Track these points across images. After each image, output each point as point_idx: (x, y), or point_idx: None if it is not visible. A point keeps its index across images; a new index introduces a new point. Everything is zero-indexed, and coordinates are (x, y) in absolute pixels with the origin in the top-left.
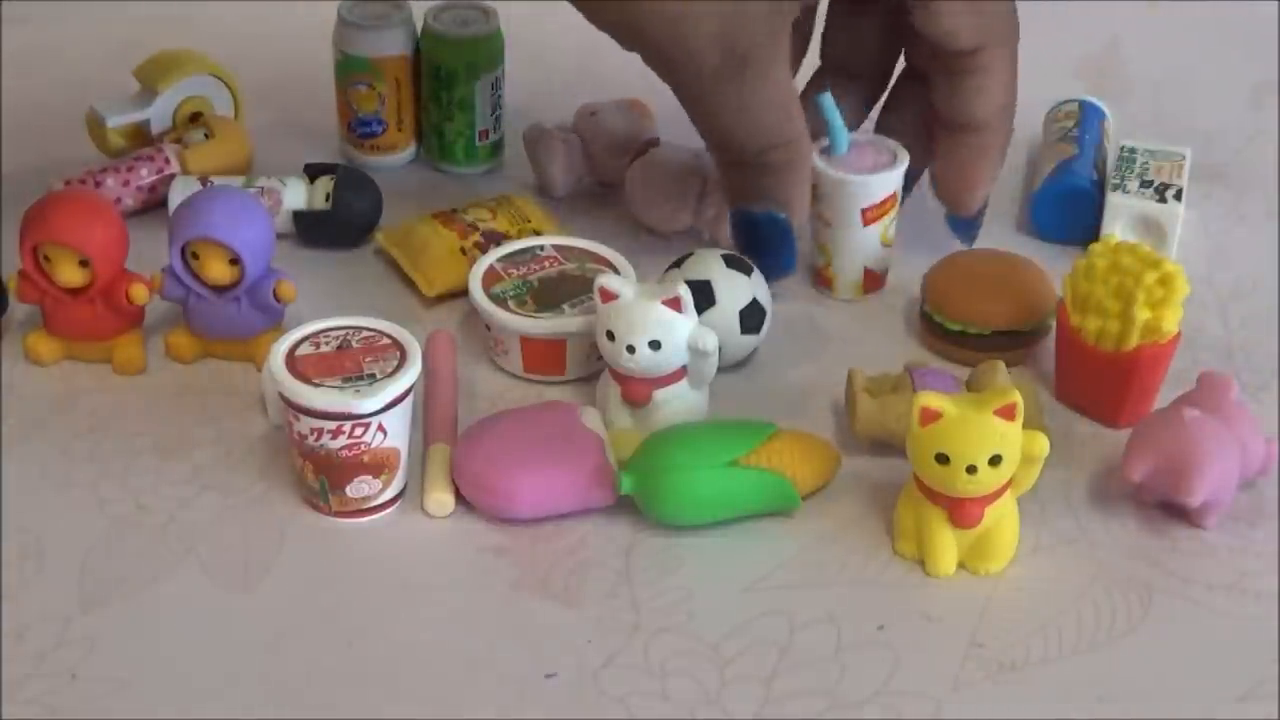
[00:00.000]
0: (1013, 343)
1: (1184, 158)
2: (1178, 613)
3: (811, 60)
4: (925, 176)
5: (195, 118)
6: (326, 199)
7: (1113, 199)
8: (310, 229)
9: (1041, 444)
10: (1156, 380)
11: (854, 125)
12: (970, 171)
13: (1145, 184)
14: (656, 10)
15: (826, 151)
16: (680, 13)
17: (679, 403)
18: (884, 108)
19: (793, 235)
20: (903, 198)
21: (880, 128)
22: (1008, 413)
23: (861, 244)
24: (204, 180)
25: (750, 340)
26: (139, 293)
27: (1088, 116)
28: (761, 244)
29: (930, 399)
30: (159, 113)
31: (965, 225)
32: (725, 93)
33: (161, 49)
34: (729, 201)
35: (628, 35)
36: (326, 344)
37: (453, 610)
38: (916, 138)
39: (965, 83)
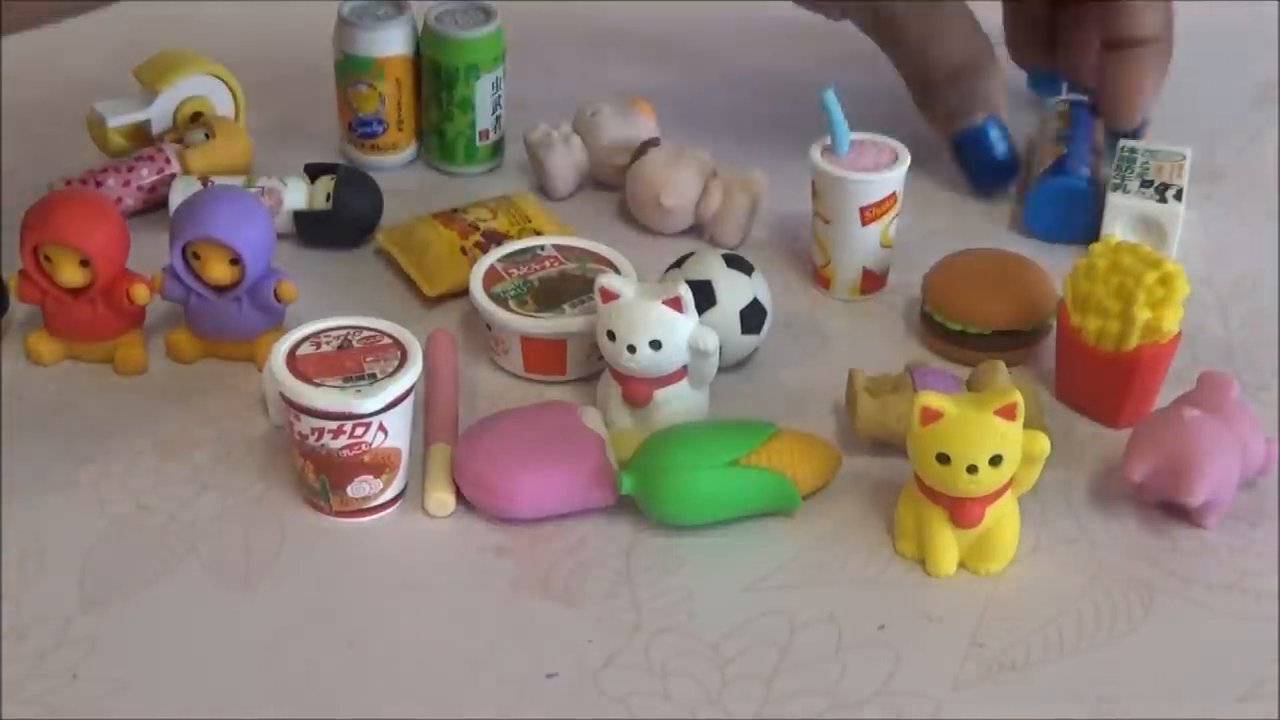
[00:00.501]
0: (1013, 343)
1: (1184, 158)
2: (1178, 613)
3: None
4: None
5: (195, 118)
6: (327, 199)
7: (1113, 199)
8: (310, 229)
9: (1042, 444)
10: (1156, 380)
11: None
12: (1132, 86)
13: (1145, 184)
14: None
15: (827, 150)
16: None
17: (679, 403)
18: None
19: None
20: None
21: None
22: (1008, 413)
23: (860, 243)
24: (204, 180)
25: (750, 340)
26: (140, 293)
27: (1078, 116)
28: (991, 152)
29: (931, 399)
30: (159, 113)
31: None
32: (926, 24)
33: (161, 49)
34: (946, 130)
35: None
36: (327, 344)
37: (453, 610)
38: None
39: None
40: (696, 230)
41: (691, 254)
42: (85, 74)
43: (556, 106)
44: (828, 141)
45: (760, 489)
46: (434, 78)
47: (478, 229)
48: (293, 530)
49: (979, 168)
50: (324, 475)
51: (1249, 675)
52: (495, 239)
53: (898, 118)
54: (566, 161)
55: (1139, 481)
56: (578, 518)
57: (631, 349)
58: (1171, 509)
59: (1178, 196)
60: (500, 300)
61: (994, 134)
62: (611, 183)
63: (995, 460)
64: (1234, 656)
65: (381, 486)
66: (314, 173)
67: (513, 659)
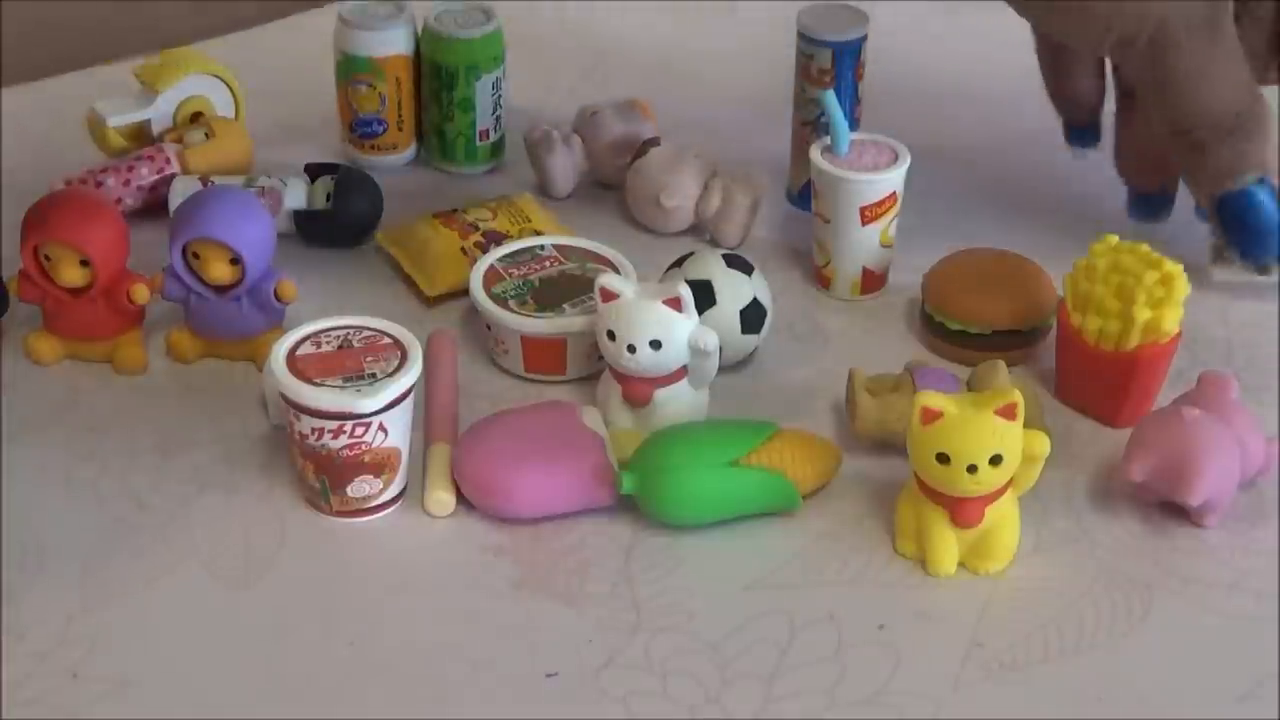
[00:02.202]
0: (1013, 343)
1: None
2: (1178, 613)
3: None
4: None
5: (195, 118)
6: (326, 199)
7: None
8: (310, 229)
9: (1042, 443)
10: (1156, 380)
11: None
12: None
13: None
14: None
15: (827, 150)
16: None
17: (679, 403)
18: None
19: None
20: None
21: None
22: (1008, 412)
23: (860, 243)
24: (204, 180)
25: (750, 340)
26: (140, 293)
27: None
28: (1258, 219)
29: (931, 399)
30: (159, 113)
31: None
32: (1206, 57)
33: (162, 49)
34: (1209, 190)
35: (1109, 29)
36: (327, 344)
37: (453, 610)
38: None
39: None
40: (696, 230)
41: (691, 254)
42: (85, 74)
43: (556, 106)
44: (828, 141)
45: (760, 489)
46: (434, 78)
47: (478, 229)
48: (293, 530)
49: (1245, 233)
50: (324, 475)
51: (1249, 675)
52: (495, 239)
53: (898, 118)
54: (566, 161)
55: (1139, 481)
56: (578, 518)
57: (631, 349)
58: (1171, 509)
59: None
60: (500, 300)
61: (1263, 197)
62: (611, 183)
63: (995, 460)
64: (1234, 656)
65: (381, 486)
66: (314, 173)
67: (513, 659)
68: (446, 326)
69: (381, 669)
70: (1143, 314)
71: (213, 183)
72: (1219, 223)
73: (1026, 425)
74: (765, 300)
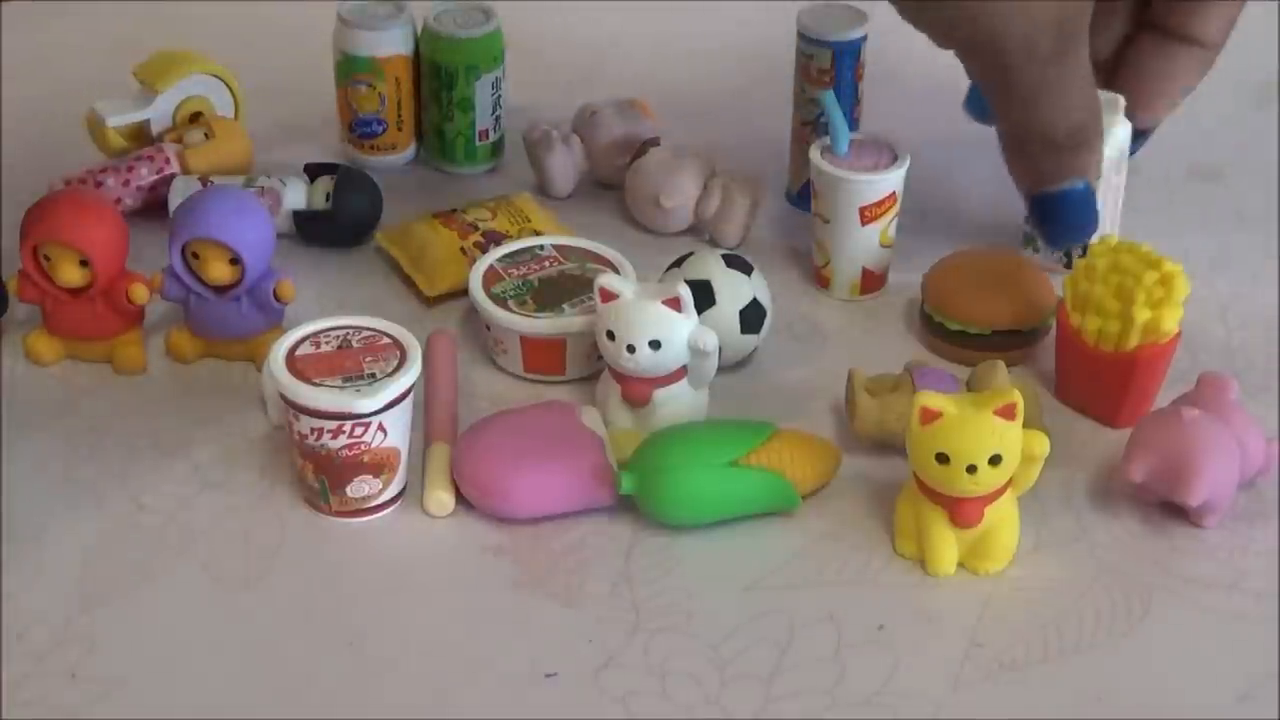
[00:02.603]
0: (1013, 343)
1: None
2: (1178, 613)
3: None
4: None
5: (195, 118)
6: (326, 199)
7: None
8: (310, 229)
9: (1042, 444)
10: (1156, 380)
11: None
12: (1173, 85)
13: None
14: (991, 5)
15: (827, 150)
16: (1018, 6)
17: (679, 403)
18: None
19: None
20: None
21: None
22: (1008, 412)
23: (859, 243)
24: (204, 180)
25: (750, 340)
26: (139, 293)
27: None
28: (1071, 217)
29: (930, 399)
30: (159, 113)
31: (1139, 137)
32: (1049, 76)
33: (161, 49)
34: (1030, 187)
35: (955, 31)
36: (327, 343)
37: (453, 610)
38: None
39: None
40: (696, 230)
41: (691, 254)
42: (85, 74)
43: (556, 106)
44: (827, 141)
45: (760, 489)
46: (433, 78)
47: (477, 229)
48: (293, 530)
49: (1056, 228)
50: (323, 475)
51: (1249, 675)
52: (495, 239)
53: (898, 117)
54: (566, 161)
55: (1139, 481)
56: (577, 518)
57: (631, 349)
58: (1171, 509)
59: None
60: (500, 300)
61: (1077, 198)
62: (611, 183)
63: (995, 460)
64: (1234, 656)
65: (381, 486)
66: (314, 173)
67: (512, 659)
68: (446, 326)
69: (381, 669)
70: (1142, 314)
71: (212, 183)
72: (1034, 215)
73: (1026, 425)
74: (765, 300)
